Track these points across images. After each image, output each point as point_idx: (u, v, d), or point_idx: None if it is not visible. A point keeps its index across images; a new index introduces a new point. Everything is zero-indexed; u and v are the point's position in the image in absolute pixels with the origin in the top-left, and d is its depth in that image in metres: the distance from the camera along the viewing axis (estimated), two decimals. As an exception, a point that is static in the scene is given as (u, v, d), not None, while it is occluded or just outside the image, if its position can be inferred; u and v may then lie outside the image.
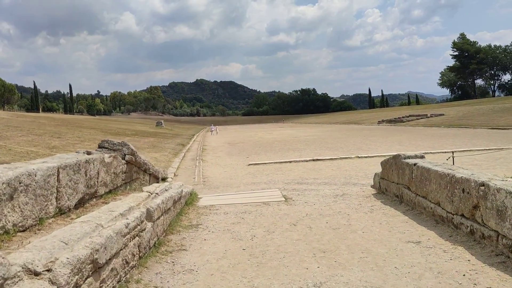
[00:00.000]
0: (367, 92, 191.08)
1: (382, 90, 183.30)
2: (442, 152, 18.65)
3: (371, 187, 10.16)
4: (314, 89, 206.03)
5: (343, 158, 18.63)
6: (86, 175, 5.22)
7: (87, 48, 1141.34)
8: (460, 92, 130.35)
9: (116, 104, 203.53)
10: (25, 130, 30.91)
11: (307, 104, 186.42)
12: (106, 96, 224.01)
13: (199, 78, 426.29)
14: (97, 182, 5.66)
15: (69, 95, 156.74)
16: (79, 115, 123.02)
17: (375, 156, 18.84)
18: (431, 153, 18.97)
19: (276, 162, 18.48)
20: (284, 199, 9.03)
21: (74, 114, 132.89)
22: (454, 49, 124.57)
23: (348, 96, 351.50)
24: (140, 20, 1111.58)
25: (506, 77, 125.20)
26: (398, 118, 64.92)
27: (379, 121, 66.65)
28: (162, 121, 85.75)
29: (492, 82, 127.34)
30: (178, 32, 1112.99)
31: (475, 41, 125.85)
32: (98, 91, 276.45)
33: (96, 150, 7.02)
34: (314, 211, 7.81)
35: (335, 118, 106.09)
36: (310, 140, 33.61)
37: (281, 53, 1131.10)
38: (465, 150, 19.67)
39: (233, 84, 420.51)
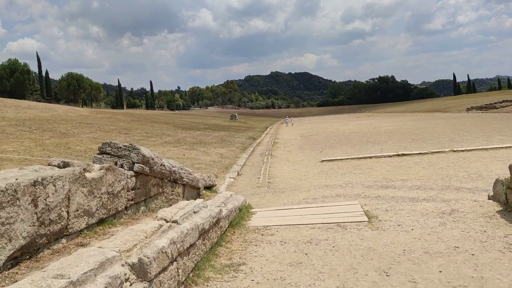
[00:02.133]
0: (451, 78, 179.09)
1: (468, 75, 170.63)
2: None
3: (489, 198, 7.24)
4: (392, 77, 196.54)
5: (434, 152, 16.14)
6: (36, 206, 3.14)
7: (168, 46, 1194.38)
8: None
9: (194, 99, 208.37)
10: (96, 126, 30.83)
11: (385, 92, 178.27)
12: (185, 91, 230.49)
13: (274, 71, 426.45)
14: (67, 212, 3.55)
15: (150, 91, 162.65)
16: (159, 111, 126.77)
17: (474, 149, 16.08)
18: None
19: (354, 158, 16.42)
20: (366, 219, 6.36)
21: (155, 109, 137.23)
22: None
23: (430, 82, 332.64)
24: (216, 16, 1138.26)
25: None
26: (490, 104, 59.01)
27: (467, 108, 61.33)
28: (236, 114, 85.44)
29: None
30: (253, 26, 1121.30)
31: None
32: (178, 86, 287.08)
33: (95, 156, 5.04)
34: (415, 244, 5.09)
35: (416, 106, 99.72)
36: (392, 131, 30.36)
37: (356, 41, 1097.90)
38: None
39: (308, 75, 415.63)
